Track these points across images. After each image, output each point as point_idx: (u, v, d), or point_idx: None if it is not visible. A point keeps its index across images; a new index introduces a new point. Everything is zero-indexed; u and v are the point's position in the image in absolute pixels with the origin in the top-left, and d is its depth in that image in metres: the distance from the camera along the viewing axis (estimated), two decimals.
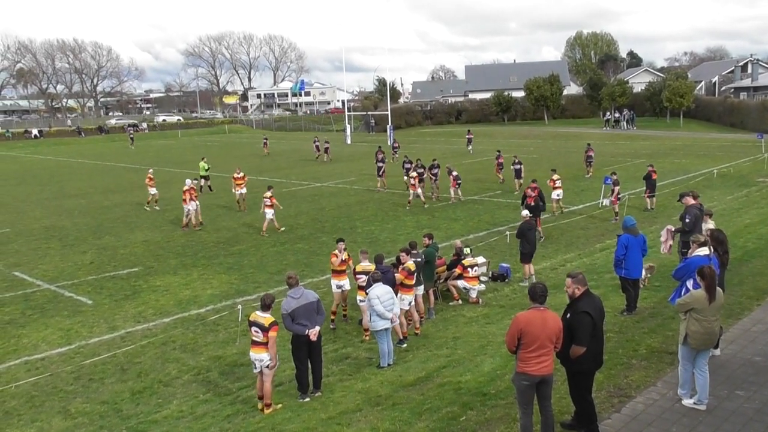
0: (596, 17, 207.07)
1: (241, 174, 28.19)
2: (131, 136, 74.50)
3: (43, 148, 73.65)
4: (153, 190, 29.59)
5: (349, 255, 14.38)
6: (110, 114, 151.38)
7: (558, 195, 24.83)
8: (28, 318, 15.36)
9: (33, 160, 59.04)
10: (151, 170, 30.93)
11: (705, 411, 7.87)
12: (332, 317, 14.09)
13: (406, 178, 30.80)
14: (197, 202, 25.10)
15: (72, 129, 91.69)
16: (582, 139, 54.33)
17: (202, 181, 33.82)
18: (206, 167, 35.41)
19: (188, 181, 25.30)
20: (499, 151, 34.54)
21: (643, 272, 13.97)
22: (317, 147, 50.97)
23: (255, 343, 9.91)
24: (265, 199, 23.41)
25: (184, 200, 24.52)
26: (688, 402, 8.04)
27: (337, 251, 14.20)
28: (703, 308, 7.72)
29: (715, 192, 27.95)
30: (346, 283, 14.22)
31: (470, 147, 51.36)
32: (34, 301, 16.67)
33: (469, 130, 56.87)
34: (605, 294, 13.33)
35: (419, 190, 27.81)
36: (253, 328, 9.89)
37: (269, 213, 23.32)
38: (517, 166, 30.46)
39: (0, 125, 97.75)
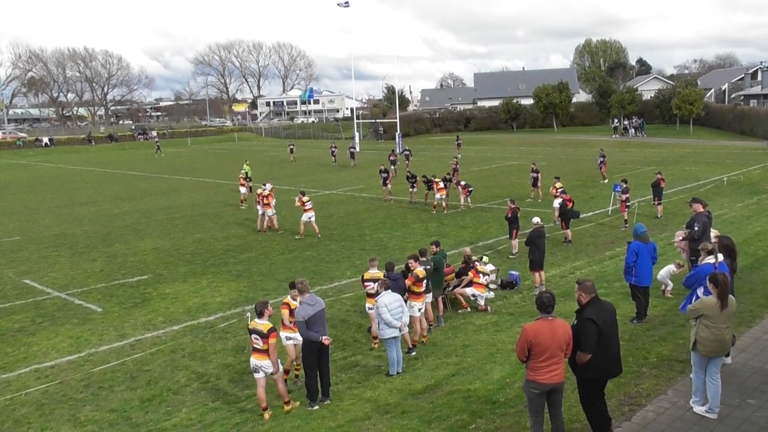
0: (604, 25, 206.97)
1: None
2: (158, 143, 75.21)
3: (53, 156, 74.18)
4: (243, 190, 31.74)
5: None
6: (121, 122, 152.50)
7: (559, 203, 24.67)
8: (38, 326, 15.43)
9: (43, 168, 59.45)
10: (243, 172, 33.68)
11: (716, 419, 7.81)
12: (285, 377, 10.83)
13: (411, 190, 30.83)
14: (273, 210, 25.22)
15: (82, 137, 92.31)
16: (591, 147, 54.21)
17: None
18: (249, 170, 35.69)
19: (268, 186, 25.79)
20: (456, 158, 37.39)
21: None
22: (333, 153, 52.26)
23: (256, 350, 9.98)
24: (304, 204, 23.96)
25: (267, 205, 24.80)
26: (699, 410, 7.98)
27: (289, 297, 11.39)
28: (714, 315, 7.67)
29: (726, 200, 27.80)
30: (298, 335, 10.92)
31: (458, 152, 54.54)
32: (44, 308, 16.73)
33: (458, 136, 62.30)
34: (615, 302, 13.12)
35: (444, 195, 28.04)
36: (253, 336, 9.96)
37: (306, 216, 23.91)
38: (535, 174, 30.37)
39: (11, 133, 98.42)
